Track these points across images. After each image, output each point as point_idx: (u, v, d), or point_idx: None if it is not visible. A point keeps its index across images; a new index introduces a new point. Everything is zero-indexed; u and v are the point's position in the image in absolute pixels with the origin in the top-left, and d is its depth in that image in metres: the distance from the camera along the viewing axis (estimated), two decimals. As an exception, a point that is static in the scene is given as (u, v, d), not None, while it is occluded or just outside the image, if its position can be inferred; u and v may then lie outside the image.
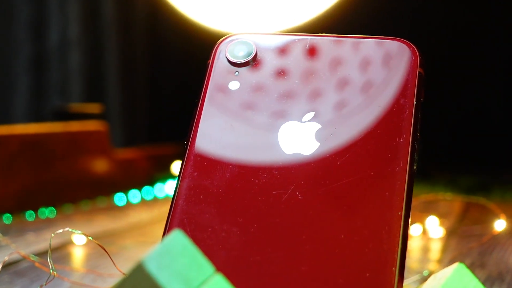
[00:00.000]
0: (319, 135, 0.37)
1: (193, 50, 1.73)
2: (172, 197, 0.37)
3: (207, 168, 0.37)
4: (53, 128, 1.04)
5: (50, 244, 0.52)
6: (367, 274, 0.33)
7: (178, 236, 0.27)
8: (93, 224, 0.86)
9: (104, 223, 0.87)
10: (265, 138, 0.37)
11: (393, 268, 0.33)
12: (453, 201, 1.16)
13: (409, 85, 0.37)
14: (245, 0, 1.35)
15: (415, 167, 0.36)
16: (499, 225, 0.76)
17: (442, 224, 0.88)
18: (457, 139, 1.60)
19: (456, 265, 0.33)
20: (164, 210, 1.01)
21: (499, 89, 1.84)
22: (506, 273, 0.70)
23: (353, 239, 0.34)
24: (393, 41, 0.39)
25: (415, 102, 0.37)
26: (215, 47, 0.41)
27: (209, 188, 0.36)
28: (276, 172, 0.36)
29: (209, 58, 0.40)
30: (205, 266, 0.28)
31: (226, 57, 0.40)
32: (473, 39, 1.59)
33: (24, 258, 0.63)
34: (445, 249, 0.77)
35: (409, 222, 0.35)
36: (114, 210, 1.01)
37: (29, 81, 1.94)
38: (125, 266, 0.63)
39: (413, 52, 0.38)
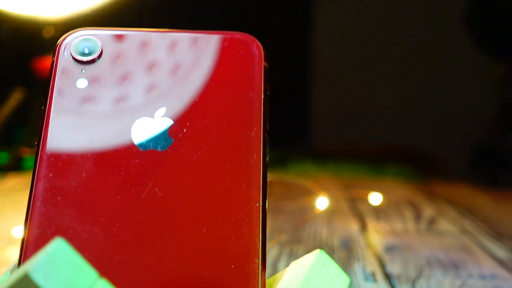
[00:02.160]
0: (172, 131, 0.37)
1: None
2: (28, 199, 0.36)
3: (62, 168, 0.36)
4: None
5: None
6: (232, 266, 0.34)
7: (60, 244, 0.27)
8: None
9: None
10: (118, 135, 0.37)
11: (256, 259, 0.34)
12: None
13: (256, 80, 0.39)
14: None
15: (267, 159, 0.37)
16: (321, 202, 0.80)
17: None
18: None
19: (317, 252, 0.34)
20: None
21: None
22: (323, 246, 0.74)
23: (215, 232, 0.35)
24: (237, 35, 0.40)
25: (263, 96, 0.38)
26: (58, 44, 0.40)
27: (66, 189, 0.36)
28: (133, 169, 0.36)
29: (53, 56, 0.39)
30: (89, 272, 0.28)
31: (71, 54, 0.39)
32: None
33: None
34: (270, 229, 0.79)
35: (266, 212, 0.36)
36: None
37: None
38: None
39: (257, 47, 0.39)
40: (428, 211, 0.97)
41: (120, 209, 0.35)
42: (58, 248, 0.27)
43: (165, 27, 0.41)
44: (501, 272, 0.65)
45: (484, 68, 2.31)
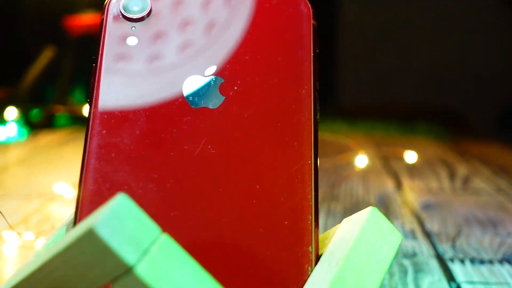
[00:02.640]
0: (223, 89, 0.37)
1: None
2: (82, 156, 0.36)
3: (115, 125, 0.36)
4: None
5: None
6: (286, 222, 0.34)
7: (124, 200, 0.28)
8: None
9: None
10: (170, 93, 0.37)
11: (309, 215, 0.34)
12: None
13: (305, 37, 0.38)
14: None
15: (318, 117, 0.37)
16: (360, 160, 0.80)
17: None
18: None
19: (370, 209, 0.35)
20: (5, 158, 0.99)
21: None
22: (360, 203, 0.74)
23: (268, 189, 0.35)
24: (286, -6, 0.40)
25: (312, 54, 0.38)
26: (107, 3, 0.39)
27: (120, 145, 0.36)
28: (186, 126, 0.36)
29: (102, 14, 0.39)
30: (152, 227, 0.28)
31: (120, 12, 0.39)
32: None
33: None
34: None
35: (318, 170, 0.36)
36: None
37: None
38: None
39: (305, 5, 0.39)
40: (461, 169, 0.96)
41: (174, 165, 0.35)
42: (122, 204, 0.27)
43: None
44: (540, 230, 0.65)
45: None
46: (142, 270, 0.27)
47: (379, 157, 1.04)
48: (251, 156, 0.36)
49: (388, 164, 0.99)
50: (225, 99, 0.37)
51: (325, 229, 0.63)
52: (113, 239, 0.27)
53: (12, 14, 1.84)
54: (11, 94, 1.32)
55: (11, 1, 1.82)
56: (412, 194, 0.79)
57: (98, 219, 0.27)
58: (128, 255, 0.27)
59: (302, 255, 0.34)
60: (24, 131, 1.28)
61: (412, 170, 0.95)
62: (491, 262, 0.54)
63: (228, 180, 0.35)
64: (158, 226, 0.28)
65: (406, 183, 0.86)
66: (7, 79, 1.40)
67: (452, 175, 0.91)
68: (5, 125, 1.24)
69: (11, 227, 0.51)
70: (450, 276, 0.51)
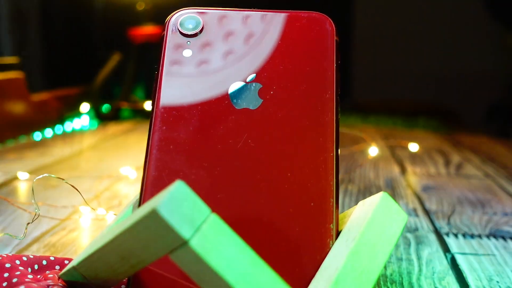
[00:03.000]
0: (261, 93, 0.37)
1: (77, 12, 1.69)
2: (146, 147, 0.36)
3: (173, 123, 0.37)
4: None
5: (33, 190, 0.51)
6: (312, 204, 0.35)
7: (181, 185, 0.28)
8: (26, 161, 0.84)
9: (35, 160, 0.85)
10: (218, 96, 0.37)
11: (331, 198, 0.35)
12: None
13: (329, 51, 0.39)
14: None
15: (339, 116, 0.37)
16: (372, 150, 0.80)
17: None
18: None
19: (381, 194, 0.35)
20: (80, 145, 1.01)
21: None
22: (371, 186, 0.74)
23: (298, 176, 0.35)
24: (314, 15, 0.40)
25: (335, 64, 0.38)
26: (167, 21, 0.40)
27: (177, 139, 0.36)
28: (231, 124, 0.37)
29: (163, 31, 0.40)
30: (204, 208, 0.28)
31: (178, 29, 0.40)
32: None
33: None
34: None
35: (339, 160, 0.37)
36: (38, 146, 0.98)
37: None
38: (71, 198, 0.63)
39: (329, 24, 0.39)
40: (455, 158, 0.96)
41: (220, 156, 0.36)
42: (179, 189, 0.28)
43: (250, 7, 0.41)
44: (521, 210, 0.64)
45: (498, 36, 2.28)
46: (195, 244, 0.27)
47: (387, 146, 1.04)
48: (284, 149, 0.36)
49: (395, 152, 0.98)
50: (263, 101, 0.37)
51: (343, 206, 0.64)
52: (172, 218, 0.27)
53: (86, 25, 1.85)
54: (85, 92, 1.34)
55: (86, 15, 1.83)
56: (414, 177, 0.79)
57: (160, 201, 0.27)
58: (184, 231, 0.27)
59: (325, 231, 0.34)
60: (95, 122, 1.29)
61: (415, 157, 0.95)
62: (480, 236, 0.54)
63: (264, 169, 0.36)
64: (208, 207, 0.28)
65: (410, 168, 0.85)
66: (82, 79, 1.42)
67: (447, 162, 0.91)
68: (80, 117, 1.25)
69: (86, 203, 0.52)
70: (445, 248, 0.51)
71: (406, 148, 0.99)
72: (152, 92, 0.38)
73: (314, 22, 0.40)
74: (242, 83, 0.38)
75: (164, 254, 0.29)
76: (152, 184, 0.35)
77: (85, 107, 1.27)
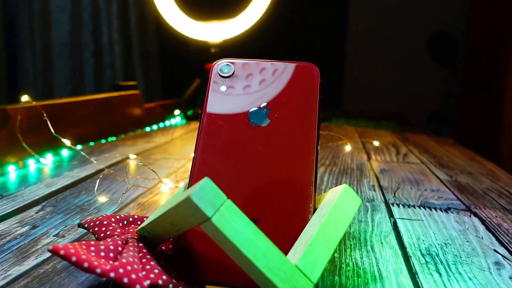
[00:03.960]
0: (269, 115, 0.35)
1: (181, 50, 1.67)
2: (194, 149, 0.34)
3: (212, 134, 0.35)
4: (114, 94, 0.99)
5: (126, 170, 0.49)
6: (298, 190, 0.32)
7: (207, 181, 0.26)
8: (137, 146, 0.83)
9: (142, 146, 0.84)
10: (241, 117, 0.35)
11: (311, 187, 0.32)
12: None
13: (315, 88, 0.36)
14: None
15: (320, 132, 0.35)
16: (347, 147, 0.76)
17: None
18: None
19: (344, 185, 0.32)
20: (172, 135, 0.99)
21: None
22: (347, 168, 0.71)
23: (290, 170, 0.33)
24: (305, 64, 0.37)
25: (318, 97, 0.35)
26: (212, 66, 0.38)
27: (213, 145, 0.34)
28: (249, 136, 0.34)
29: (209, 72, 0.37)
30: (222, 195, 0.26)
31: (218, 73, 0.37)
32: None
33: (103, 170, 0.59)
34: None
35: (318, 162, 0.34)
36: (146, 136, 0.97)
37: (92, 65, 1.84)
38: (159, 172, 0.61)
39: (315, 70, 0.37)
40: (403, 149, 0.91)
41: (241, 156, 0.33)
42: (206, 183, 0.25)
43: (267, 57, 0.38)
44: (443, 187, 0.60)
45: (436, 71, 2.24)
46: (215, 220, 0.25)
47: (361, 142, 0.99)
48: (282, 153, 0.34)
49: (365, 146, 0.94)
50: (270, 121, 0.35)
51: (327, 182, 0.60)
52: (200, 202, 0.25)
53: (183, 60, 1.84)
54: (178, 102, 1.32)
55: (184, 54, 1.83)
56: (375, 163, 0.75)
57: (193, 191, 0.25)
58: (207, 211, 0.25)
59: (306, 209, 0.32)
60: (183, 121, 1.28)
61: (377, 149, 0.90)
62: (414, 206, 0.51)
63: (269, 165, 0.33)
64: (225, 195, 0.26)
65: (373, 157, 0.81)
66: (176, 94, 1.41)
67: (397, 153, 0.87)
68: (175, 118, 1.24)
69: (160, 179, 0.50)
70: (390, 214, 0.47)
71: (372, 143, 0.95)
72: (200, 113, 0.36)
73: (305, 69, 0.37)
74: (257, 108, 0.35)
75: (196, 225, 0.26)
76: (196, 173, 0.33)
77: (177, 112, 1.26)
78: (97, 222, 0.34)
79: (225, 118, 0.35)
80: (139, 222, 0.37)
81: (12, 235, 0.38)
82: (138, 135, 0.98)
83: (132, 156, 0.71)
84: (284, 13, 1.83)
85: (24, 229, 0.39)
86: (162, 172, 0.61)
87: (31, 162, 0.65)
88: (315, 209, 0.32)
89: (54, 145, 0.69)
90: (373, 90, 2.30)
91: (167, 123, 1.20)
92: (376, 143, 0.92)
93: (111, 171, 0.58)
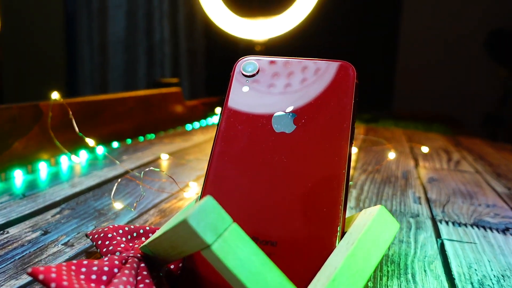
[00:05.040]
0: (296, 121, 0.30)
1: (228, 48, 1.65)
2: (209, 155, 0.30)
3: (229, 140, 0.30)
4: (154, 91, 0.97)
5: (141, 179, 0.46)
6: (325, 209, 0.27)
7: (209, 200, 0.21)
8: (173, 145, 0.80)
9: (179, 144, 0.81)
10: (263, 122, 0.30)
11: (340, 206, 0.27)
12: (358, 127, 1.10)
13: (350, 91, 0.30)
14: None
15: (353, 142, 0.29)
16: (390, 154, 0.70)
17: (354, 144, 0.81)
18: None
19: (379, 207, 0.26)
20: (211, 134, 0.96)
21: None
22: (391, 176, 0.64)
23: (317, 186, 0.28)
24: (341, 63, 0.32)
25: (353, 101, 0.30)
26: (235, 65, 0.33)
27: (231, 153, 0.30)
28: (271, 143, 0.29)
29: (232, 71, 0.33)
30: (226, 218, 0.21)
31: (241, 71, 0.33)
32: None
33: (130, 171, 0.56)
34: (358, 159, 0.70)
35: (349, 176, 0.28)
36: (186, 134, 0.94)
37: (145, 62, 1.85)
38: (188, 174, 0.57)
39: (352, 70, 0.31)
40: (455, 156, 0.83)
41: (260, 167, 0.29)
42: (208, 203, 0.21)
43: (299, 55, 0.33)
44: (500, 202, 0.52)
45: (494, 71, 2.10)
46: (216, 248, 0.21)
47: (408, 147, 0.91)
48: (308, 165, 0.28)
49: (413, 151, 0.86)
50: (296, 127, 0.30)
51: (368, 191, 0.54)
52: (198, 227, 0.21)
53: (232, 59, 1.82)
54: (220, 100, 1.29)
55: (234, 53, 1.80)
56: (424, 171, 0.68)
57: (191, 212, 0.21)
58: (207, 237, 0.21)
59: (332, 232, 0.26)
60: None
61: (427, 155, 0.83)
62: (465, 225, 0.44)
63: (292, 179, 0.28)
64: (231, 217, 0.21)
65: (422, 163, 0.74)
66: (219, 92, 1.38)
67: (449, 160, 0.78)
68: (215, 115, 1.21)
69: (178, 186, 0.46)
70: (438, 233, 0.41)
71: (420, 148, 0.87)
72: (219, 115, 0.32)
73: (340, 68, 0.31)
74: (282, 113, 0.30)
75: (197, 250, 0.22)
76: (209, 185, 0.29)
77: (218, 109, 1.23)
78: (102, 235, 0.31)
79: (245, 123, 0.31)
80: (150, 235, 0.33)
81: (20, 241, 0.35)
82: (177, 133, 0.95)
83: (164, 156, 0.67)
84: (332, 12, 1.76)
85: (34, 235, 0.36)
86: (191, 175, 0.57)
87: (64, 160, 0.63)
88: (343, 233, 0.27)
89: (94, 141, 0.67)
90: (424, 91, 2.19)
91: (210, 120, 1.17)
92: (425, 149, 0.84)
93: (136, 173, 0.55)
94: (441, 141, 1.00)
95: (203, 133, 0.96)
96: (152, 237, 0.27)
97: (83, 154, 0.66)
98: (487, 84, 2.12)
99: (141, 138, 0.85)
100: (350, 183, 0.56)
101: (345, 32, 2.02)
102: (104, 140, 0.75)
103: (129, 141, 0.81)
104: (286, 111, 0.30)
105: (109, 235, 0.30)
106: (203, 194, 0.29)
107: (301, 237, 0.26)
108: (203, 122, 1.15)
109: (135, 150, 0.73)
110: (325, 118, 0.30)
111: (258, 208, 0.27)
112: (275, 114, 0.30)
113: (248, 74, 0.32)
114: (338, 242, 0.26)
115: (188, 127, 1.07)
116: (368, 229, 0.25)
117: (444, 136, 1.10)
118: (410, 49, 2.21)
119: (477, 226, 0.43)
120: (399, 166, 0.70)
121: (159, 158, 0.67)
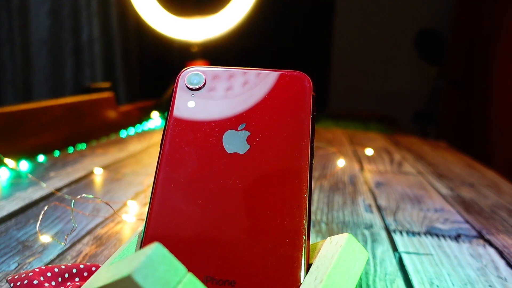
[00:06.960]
0: (249, 140, 0.27)
1: (162, 49, 1.58)
2: (153, 183, 0.26)
3: (175, 164, 0.26)
4: (83, 98, 0.90)
5: (72, 208, 0.41)
6: (287, 240, 0.24)
7: (158, 248, 0.18)
8: (107, 156, 0.74)
9: (113, 155, 0.75)
10: (213, 142, 0.27)
11: (303, 236, 0.24)
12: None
13: (307, 104, 0.28)
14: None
15: (313, 161, 0.27)
16: (340, 163, 0.69)
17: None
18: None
19: (346, 235, 0.24)
20: (148, 142, 0.91)
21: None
22: (339, 182, 0.63)
23: (276, 214, 0.25)
24: (295, 73, 0.29)
25: (311, 116, 0.28)
26: (178, 76, 0.30)
27: (177, 179, 0.26)
28: (222, 166, 0.26)
29: (174, 84, 0.29)
30: (180, 268, 0.18)
31: (185, 84, 0.29)
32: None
33: (56, 192, 0.51)
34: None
35: (312, 200, 0.26)
36: (120, 142, 0.88)
37: (71, 63, 1.74)
38: (126, 191, 0.53)
39: (308, 81, 0.29)
40: (397, 156, 0.84)
41: (212, 194, 0.25)
42: (155, 252, 0.18)
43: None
44: (446, 206, 0.53)
45: (423, 69, 2.19)
46: (169, 307, 0.17)
47: (351, 150, 0.92)
48: (266, 190, 0.26)
49: (356, 153, 0.86)
50: (250, 147, 0.27)
51: (319, 201, 0.53)
52: (146, 283, 0.17)
53: (166, 59, 1.75)
54: (156, 103, 1.23)
55: (167, 54, 1.74)
56: (369, 175, 0.68)
57: (136, 266, 0.17)
58: (157, 295, 0.17)
59: (297, 266, 0.24)
60: (162, 123, 1.19)
61: (369, 157, 0.83)
62: (419, 234, 0.43)
63: (248, 207, 0.25)
64: (184, 267, 0.18)
65: (366, 166, 0.74)
66: (155, 95, 1.32)
67: (391, 160, 0.79)
68: (151, 120, 1.15)
69: (115, 212, 0.42)
70: (394, 246, 0.40)
71: (363, 150, 0.87)
72: (162, 136, 0.28)
73: (295, 80, 0.29)
74: (233, 131, 0.27)
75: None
76: (153, 220, 0.25)
77: (155, 114, 1.17)
78: (25, 282, 0.26)
79: (193, 144, 0.27)
80: (85, 274, 0.29)
81: None
82: (111, 142, 0.89)
83: (97, 170, 0.62)
84: (268, 13, 1.75)
85: None
86: (128, 191, 0.52)
87: (-20, 180, 0.56)
88: (308, 266, 0.24)
89: (15, 156, 0.60)
90: (359, 89, 2.25)
91: (146, 126, 1.12)
92: (369, 152, 0.85)
93: (66, 196, 0.49)
94: (380, 141, 1.02)
95: (139, 141, 0.91)
96: (88, 284, 0.23)
97: (4, 172, 0.59)
98: (417, 82, 2.22)
99: (70, 149, 0.78)
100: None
101: (281, 33, 2.03)
102: (29, 154, 0.68)
103: (57, 153, 0.74)
104: (238, 129, 0.27)
105: (35, 282, 0.26)
106: (146, 230, 0.25)
107: (262, 274, 0.23)
108: (139, 128, 1.09)
109: (64, 164, 0.66)
110: (281, 135, 0.27)
111: (211, 243, 0.24)
112: (226, 133, 0.27)
113: (193, 87, 0.29)
114: (304, 276, 0.23)
115: (123, 133, 1.01)
116: (337, 263, 0.23)
117: (383, 135, 1.12)
118: (344, 48, 2.26)
119: (430, 234, 0.43)
120: (345, 170, 0.69)
121: (91, 173, 0.61)
